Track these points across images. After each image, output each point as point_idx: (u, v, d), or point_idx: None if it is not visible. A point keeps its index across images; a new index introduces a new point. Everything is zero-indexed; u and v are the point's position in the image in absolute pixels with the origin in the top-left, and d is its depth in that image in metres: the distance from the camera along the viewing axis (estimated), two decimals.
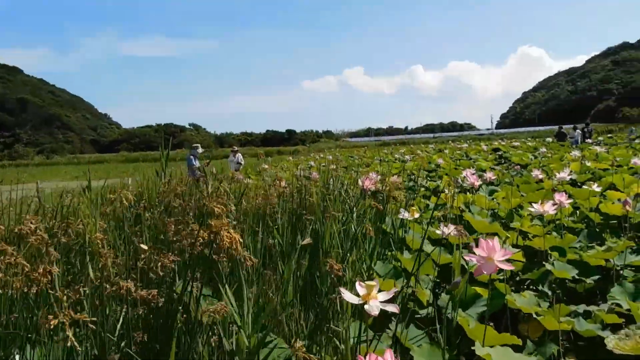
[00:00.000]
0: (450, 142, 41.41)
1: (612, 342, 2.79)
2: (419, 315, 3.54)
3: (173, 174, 6.15)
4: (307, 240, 2.68)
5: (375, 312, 1.60)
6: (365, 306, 1.62)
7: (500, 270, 4.18)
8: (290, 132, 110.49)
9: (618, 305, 3.56)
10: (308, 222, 3.36)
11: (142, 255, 2.21)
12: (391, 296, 1.76)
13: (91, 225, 2.35)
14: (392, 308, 1.68)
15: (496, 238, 2.60)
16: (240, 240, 1.55)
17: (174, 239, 2.52)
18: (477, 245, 2.58)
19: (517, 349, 2.74)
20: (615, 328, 3.24)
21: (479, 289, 3.59)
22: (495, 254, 2.51)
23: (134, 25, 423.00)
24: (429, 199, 7.31)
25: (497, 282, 3.89)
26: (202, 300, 2.21)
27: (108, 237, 2.55)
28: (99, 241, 2.17)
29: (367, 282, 1.66)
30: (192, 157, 13.73)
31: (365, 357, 1.37)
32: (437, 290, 4.07)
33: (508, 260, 2.70)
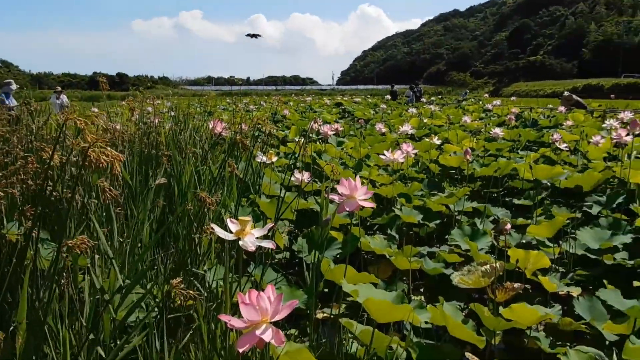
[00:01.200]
0: (293, 95, 41.95)
1: (456, 277, 2.96)
2: (276, 259, 3.43)
3: None
4: (162, 180, 2.33)
5: (251, 247, 1.49)
6: (240, 242, 1.48)
7: (353, 214, 4.18)
8: (122, 76, 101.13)
9: (457, 246, 3.83)
10: (159, 163, 2.97)
11: None
12: (266, 232, 1.63)
13: None
14: (268, 244, 1.59)
15: (357, 177, 2.53)
16: (118, 158, 1.19)
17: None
18: (339, 184, 2.49)
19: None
20: (456, 266, 3.46)
21: (334, 233, 3.58)
22: (357, 192, 2.45)
23: None
24: (278, 148, 7.23)
25: (349, 226, 3.93)
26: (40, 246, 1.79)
27: None
28: None
29: (241, 218, 1.46)
30: (4, 94, 11.89)
31: (245, 295, 1.24)
32: (291, 236, 4.01)
33: (368, 200, 2.67)
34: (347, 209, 2.44)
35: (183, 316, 2.05)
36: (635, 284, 3.20)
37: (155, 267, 2.18)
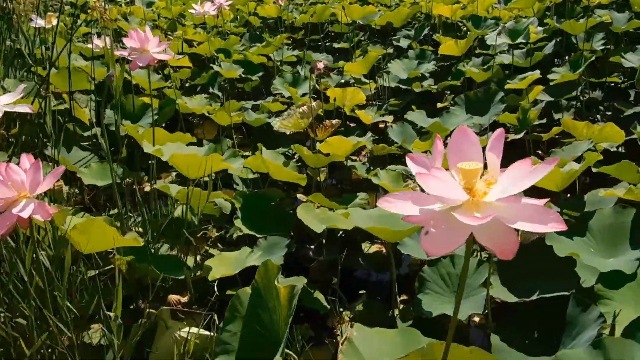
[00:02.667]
0: None
1: (277, 123, 2.93)
2: (86, 138, 3.08)
3: None
4: None
5: None
6: None
7: (166, 78, 3.83)
8: None
9: (281, 95, 3.78)
10: None
11: None
12: (18, 96, 1.37)
13: None
14: (23, 109, 1.37)
15: (147, 27, 2.25)
16: None
17: None
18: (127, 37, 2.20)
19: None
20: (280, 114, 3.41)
21: (146, 99, 3.28)
22: (149, 44, 2.19)
23: None
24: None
25: (165, 89, 3.64)
26: None
27: None
28: None
29: None
30: None
31: None
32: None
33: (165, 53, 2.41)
34: (140, 64, 2.18)
35: None
36: (439, 105, 3.49)
37: None
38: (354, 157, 3.27)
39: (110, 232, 1.72)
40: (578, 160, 2.42)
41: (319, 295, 2.23)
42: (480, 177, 0.78)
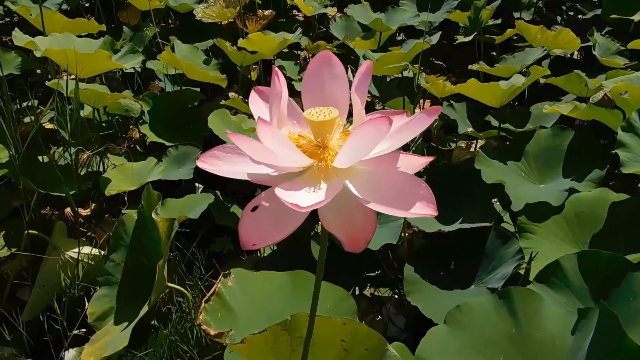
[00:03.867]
0: None
1: (199, 13, 2.55)
2: None
3: None
4: None
5: None
6: None
7: None
8: None
9: None
10: None
11: None
12: None
13: None
14: None
15: None
16: None
17: None
18: None
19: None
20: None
21: None
22: None
23: None
24: None
25: None
26: None
27: None
28: None
29: None
30: None
31: None
32: None
33: None
34: None
35: None
36: None
37: None
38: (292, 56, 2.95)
39: None
40: (528, 69, 2.21)
41: (236, 209, 2.06)
42: (342, 131, 0.56)
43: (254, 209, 0.53)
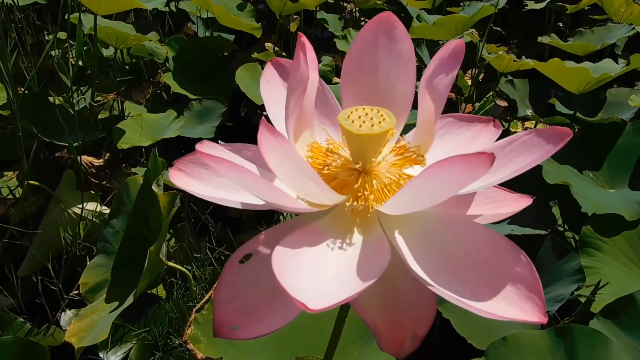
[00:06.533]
0: None
1: None
2: None
3: None
4: None
5: None
6: None
7: None
8: None
9: None
10: None
11: None
12: None
13: None
14: None
15: None
16: None
17: None
18: None
19: None
20: None
21: None
22: None
23: None
24: None
25: None
26: None
27: None
28: None
29: None
30: None
31: None
32: None
33: None
34: None
35: None
36: None
37: None
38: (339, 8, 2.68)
39: None
40: (609, 49, 1.92)
41: None
42: (396, 146, 0.36)
43: (246, 257, 0.34)
